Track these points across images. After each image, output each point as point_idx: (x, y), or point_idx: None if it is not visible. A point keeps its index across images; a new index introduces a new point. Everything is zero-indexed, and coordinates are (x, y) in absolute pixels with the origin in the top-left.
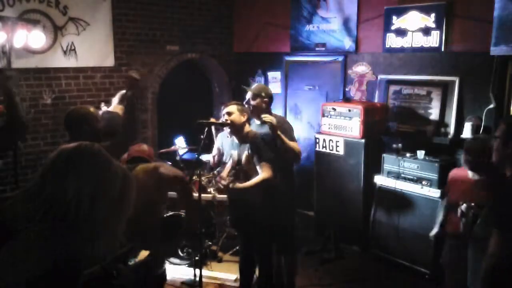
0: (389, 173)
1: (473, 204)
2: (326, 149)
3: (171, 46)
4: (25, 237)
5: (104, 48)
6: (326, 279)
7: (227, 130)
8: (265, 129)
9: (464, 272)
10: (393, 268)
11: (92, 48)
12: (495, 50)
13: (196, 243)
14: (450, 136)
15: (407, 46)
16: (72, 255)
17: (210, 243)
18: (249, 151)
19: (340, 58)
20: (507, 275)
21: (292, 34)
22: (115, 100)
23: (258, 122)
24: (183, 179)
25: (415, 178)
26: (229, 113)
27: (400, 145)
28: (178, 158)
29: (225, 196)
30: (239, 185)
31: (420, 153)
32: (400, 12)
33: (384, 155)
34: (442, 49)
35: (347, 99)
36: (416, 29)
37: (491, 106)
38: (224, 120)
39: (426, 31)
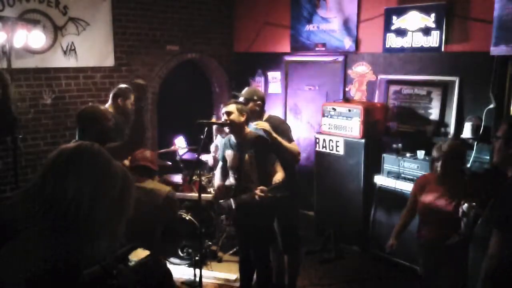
0: (389, 173)
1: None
2: (326, 149)
3: (171, 46)
4: (25, 237)
5: (104, 48)
6: (326, 279)
7: (226, 129)
8: (262, 131)
9: (445, 276)
10: (393, 268)
11: (92, 48)
12: (495, 50)
13: (196, 243)
14: (450, 136)
15: (407, 46)
16: (72, 255)
17: (210, 243)
18: (253, 152)
19: (340, 58)
20: (508, 275)
21: (292, 34)
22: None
23: (254, 125)
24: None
25: (415, 178)
26: (228, 113)
27: (400, 145)
28: (178, 158)
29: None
30: (265, 190)
31: (420, 153)
32: (400, 12)
33: (384, 155)
34: (442, 49)
35: (347, 99)
36: (416, 29)
37: (491, 106)
38: (223, 120)
39: (426, 31)
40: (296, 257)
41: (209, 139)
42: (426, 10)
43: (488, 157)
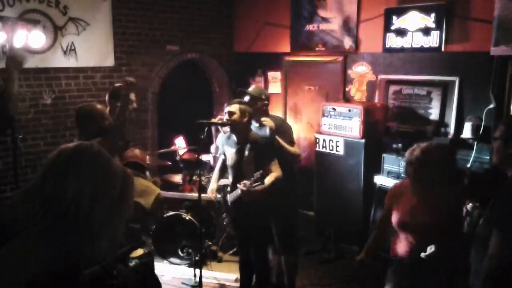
0: (389, 173)
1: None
2: (326, 149)
3: (171, 46)
4: (25, 237)
5: (104, 48)
6: (326, 279)
7: (226, 129)
8: (264, 131)
9: None
10: None
11: (92, 48)
12: (495, 50)
13: (196, 243)
14: (450, 136)
15: (407, 46)
16: (72, 255)
17: (210, 243)
18: (252, 152)
19: (340, 58)
20: (508, 275)
21: (292, 34)
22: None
23: (256, 124)
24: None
25: None
26: (230, 113)
27: (400, 145)
28: (178, 158)
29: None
30: (258, 188)
31: None
32: (400, 12)
33: (384, 155)
34: (442, 49)
35: (347, 99)
36: (416, 29)
37: (491, 106)
38: (225, 120)
39: (426, 31)
40: (294, 257)
41: (209, 139)
42: (426, 10)
43: (488, 157)
